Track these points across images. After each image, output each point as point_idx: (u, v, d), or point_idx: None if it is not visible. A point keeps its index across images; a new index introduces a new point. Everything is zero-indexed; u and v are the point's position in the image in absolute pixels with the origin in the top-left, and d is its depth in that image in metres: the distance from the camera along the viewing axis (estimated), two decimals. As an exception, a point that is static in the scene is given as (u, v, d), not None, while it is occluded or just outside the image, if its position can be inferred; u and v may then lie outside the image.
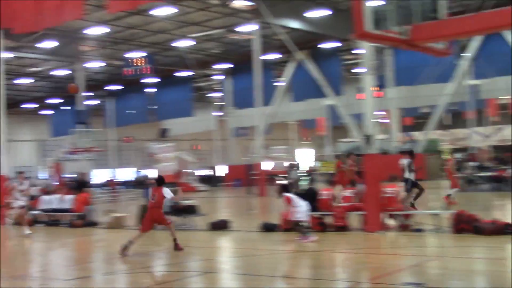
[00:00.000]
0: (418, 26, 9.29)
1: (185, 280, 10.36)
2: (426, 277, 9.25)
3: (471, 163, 30.60)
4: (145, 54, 37.31)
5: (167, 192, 13.10)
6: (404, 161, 16.51)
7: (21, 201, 18.59)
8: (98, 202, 22.37)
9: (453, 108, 46.10)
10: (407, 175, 16.19)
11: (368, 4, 8.81)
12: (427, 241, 13.06)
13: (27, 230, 17.68)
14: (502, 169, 28.90)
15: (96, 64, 42.62)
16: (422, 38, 9.31)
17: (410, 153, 17.01)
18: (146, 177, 26.71)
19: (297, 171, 32.98)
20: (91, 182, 24.46)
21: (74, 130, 35.87)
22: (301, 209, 13.54)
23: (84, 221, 20.07)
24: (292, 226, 13.81)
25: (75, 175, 24.34)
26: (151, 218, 13.09)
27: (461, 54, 34.79)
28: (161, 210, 13.18)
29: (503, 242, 12.00)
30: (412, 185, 16.15)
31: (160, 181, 13.42)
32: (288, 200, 13.64)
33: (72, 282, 10.38)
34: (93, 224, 20.07)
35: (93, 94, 51.54)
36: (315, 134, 58.33)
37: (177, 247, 12.89)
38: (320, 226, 14.79)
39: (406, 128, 58.97)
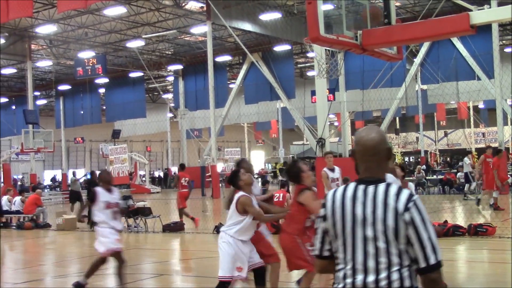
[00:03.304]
0: (368, 31, 9.48)
1: (138, 282, 10.31)
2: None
3: (420, 166, 31.40)
4: (97, 54, 36.90)
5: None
6: None
7: None
8: (49, 204, 21.96)
9: (404, 112, 47.13)
10: None
11: (321, 8, 8.95)
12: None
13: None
14: (450, 172, 29.76)
15: (46, 63, 41.89)
16: (372, 43, 9.49)
17: None
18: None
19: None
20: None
21: (23, 130, 35.15)
22: None
23: (35, 223, 19.76)
24: None
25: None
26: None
27: (413, 60, 35.56)
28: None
29: (453, 244, 12.32)
30: None
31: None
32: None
33: (22, 285, 10.21)
34: (44, 226, 19.78)
35: (42, 93, 50.72)
36: (268, 137, 58.65)
37: None
38: (273, 228, 14.90)
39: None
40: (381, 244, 2.87)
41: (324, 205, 3.07)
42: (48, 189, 47.31)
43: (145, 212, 17.72)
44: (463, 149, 56.25)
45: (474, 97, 37.04)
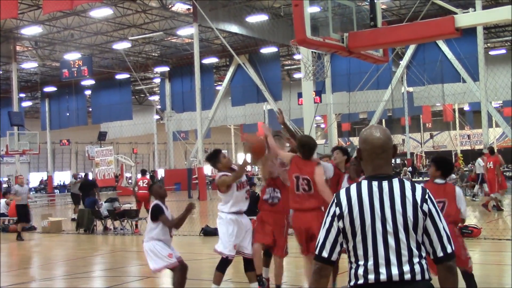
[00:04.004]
0: (354, 33, 9.52)
1: (125, 284, 10.28)
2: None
3: (407, 168, 31.57)
4: (83, 55, 36.74)
5: None
6: None
7: None
8: (34, 206, 21.82)
9: (390, 114, 47.36)
10: None
11: (308, 10, 8.98)
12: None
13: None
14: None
15: (31, 65, 41.63)
16: (359, 45, 9.53)
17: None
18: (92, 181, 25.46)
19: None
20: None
21: (8, 132, 34.91)
22: None
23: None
24: None
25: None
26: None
27: (399, 62, 35.74)
28: None
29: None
30: None
31: None
32: None
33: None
34: (29, 228, 19.63)
35: (27, 95, 50.40)
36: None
37: None
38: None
39: (344, 134, 60.19)
40: (402, 237, 2.95)
41: (338, 204, 3.08)
42: (33, 192, 47.00)
43: (132, 214, 17.67)
44: (448, 151, 56.62)
45: (460, 99, 37.30)
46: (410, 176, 29.64)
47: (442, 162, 6.91)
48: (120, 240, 16.51)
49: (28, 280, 11.09)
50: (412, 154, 50.45)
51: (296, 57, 38.25)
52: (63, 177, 59.01)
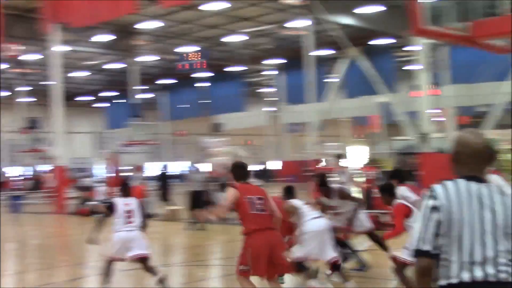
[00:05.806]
0: (479, 22, 9.14)
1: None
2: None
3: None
4: (198, 48, 37.67)
5: None
6: None
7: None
8: (152, 195, 22.68)
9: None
10: None
11: (425, 0, 8.71)
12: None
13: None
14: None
15: (149, 58, 43.20)
16: (484, 34, 9.15)
17: None
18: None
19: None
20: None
21: (128, 123, 36.53)
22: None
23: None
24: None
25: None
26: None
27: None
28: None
29: None
30: None
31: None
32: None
33: (126, 273, 10.54)
34: (148, 216, 20.39)
35: (146, 87, 52.45)
36: (367, 132, 57.74)
37: None
38: (376, 225, 14.67)
39: (462, 127, 57.96)
40: (499, 239, 2.94)
41: (435, 197, 3.04)
42: (152, 180, 48.78)
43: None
44: None
45: None
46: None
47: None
48: (236, 230, 16.70)
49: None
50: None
51: (412, 48, 37.22)
52: (178, 167, 60.72)
